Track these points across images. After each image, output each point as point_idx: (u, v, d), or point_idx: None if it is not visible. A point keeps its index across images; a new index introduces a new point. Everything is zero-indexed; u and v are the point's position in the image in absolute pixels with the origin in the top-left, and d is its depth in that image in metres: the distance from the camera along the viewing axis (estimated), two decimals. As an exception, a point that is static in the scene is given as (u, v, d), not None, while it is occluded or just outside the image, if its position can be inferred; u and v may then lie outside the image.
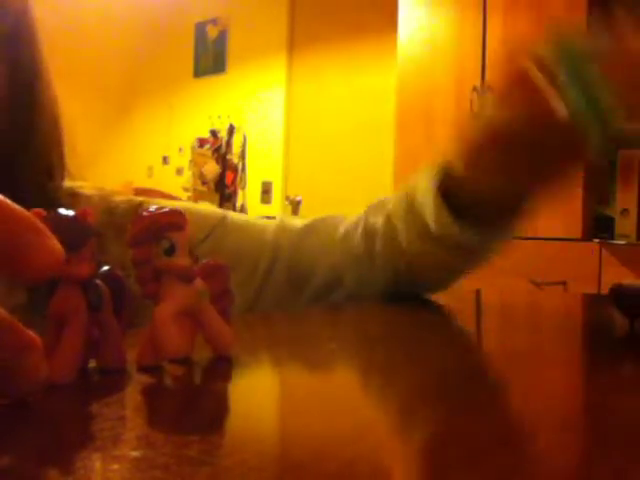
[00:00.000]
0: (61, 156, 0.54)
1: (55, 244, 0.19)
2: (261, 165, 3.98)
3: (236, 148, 4.09)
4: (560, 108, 0.34)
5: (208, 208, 0.61)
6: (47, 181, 0.53)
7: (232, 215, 0.60)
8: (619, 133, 0.34)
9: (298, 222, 0.59)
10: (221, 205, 4.06)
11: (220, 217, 0.58)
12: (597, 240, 2.25)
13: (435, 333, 0.42)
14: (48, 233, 0.19)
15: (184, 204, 0.61)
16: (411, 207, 0.52)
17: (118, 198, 0.57)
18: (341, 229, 0.57)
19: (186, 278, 0.27)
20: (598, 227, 2.37)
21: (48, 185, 0.52)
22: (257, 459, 0.17)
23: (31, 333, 0.19)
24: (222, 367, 0.31)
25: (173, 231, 0.26)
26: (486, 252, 0.53)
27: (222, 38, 4.20)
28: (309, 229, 0.58)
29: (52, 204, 0.49)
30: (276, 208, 3.90)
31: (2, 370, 0.19)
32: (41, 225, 0.19)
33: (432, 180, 0.50)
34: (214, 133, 4.18)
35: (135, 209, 0.55)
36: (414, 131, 2.72)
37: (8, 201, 0.19)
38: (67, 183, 0.56)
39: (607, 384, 0.27)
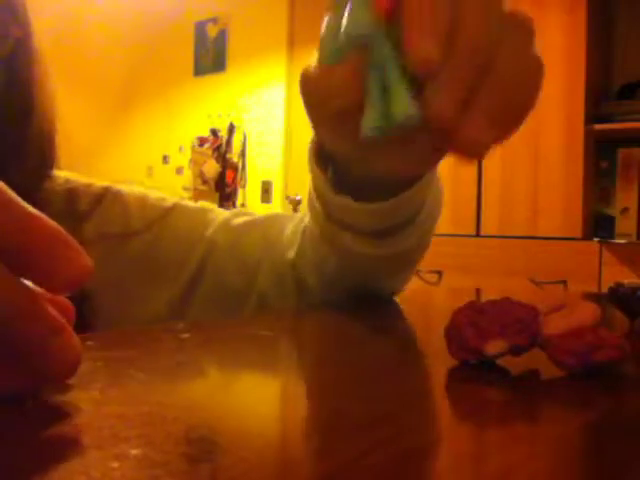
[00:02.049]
0: (53, 151, 0.55)
1: (84, 258, 0.19)
2: (261, 164, 3.98)
3: (236, 147, 4.09)
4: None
5: (158, 198, 0.60)
6: (39, 180, 0.54)
7: (182, 207, 0.59)
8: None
9: (243, 218, 0.58)
10: (221, 204, 4.06)
11: (166, 209, 0.58)
12: (597, 239, 2.25)
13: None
14: (77, 246, 0.19)
15: (142, 191, 0.61)
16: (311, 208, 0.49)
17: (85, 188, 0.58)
18: (287, 230, 0.56)
19: None
20: (598, 226, 2.37)
21: (40, 184, 0.53)
22: (257, 457, 0.17)
23: (58, 316, 0.20)
24: (220, 365, 0.31)
25: None
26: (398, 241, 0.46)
27: (222, 37, 4.20)
28: (253, 224, 0.57)
29: (46, 202, 0.49)
30: (276, 207, 3.89)
31: (31, 355, 0.19)
32: (70, 238, 0.19)
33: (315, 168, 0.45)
34: (214, 132, 4.18)
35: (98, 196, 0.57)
36: (414, 130, 2.72)
37: (40, 214, 0.19)
38: (59, 174, 0.56)
39: (606, 383, 0.27)
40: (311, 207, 0.49)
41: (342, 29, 0.24)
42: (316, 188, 0.46)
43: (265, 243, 0.55)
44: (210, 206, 0.62)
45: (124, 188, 0.60)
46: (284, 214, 0.59)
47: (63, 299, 0.21)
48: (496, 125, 0.26)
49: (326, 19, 0.25)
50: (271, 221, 0.57)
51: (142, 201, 0.59)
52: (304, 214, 0.55)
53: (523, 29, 0.28)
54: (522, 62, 0.28)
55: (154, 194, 0.61)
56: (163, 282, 0.55)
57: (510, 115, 0.28)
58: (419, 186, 0.43)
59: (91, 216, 0.55)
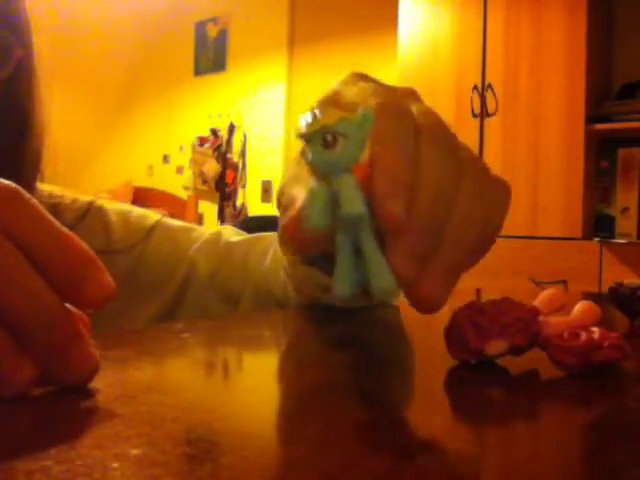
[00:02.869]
0: (40, 165, 0.55)
1: (109, 279, 0.21)
2: (261, 164, 3.98)
3: (236, 147, 4.09)
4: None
5: (140, 215, 0.60)
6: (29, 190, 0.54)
7: (164, 225, 0.59)
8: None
9: (224, 239, 0.58)
10: (221, 204, 4.07)
11: (148, 228, 0.58)
12: (597, 239, 2.25)
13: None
14: (104, 268, 0.21)
15: (124, 208, 0.61)
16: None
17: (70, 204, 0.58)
18: (270, 252, 0.55)
19: None
20: (598, 226, 2.37)
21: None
22: (257, 456, 0.17)
23: (79, 325, 0.21)
24: (220, 366, 0.31)
25: None
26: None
27: (222, 37, 4.20)
28: (233, 250, 0.57)
29: None
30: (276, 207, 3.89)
31: (52, 360, 0.21)
32: (98, 260, 0.21)
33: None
34: (214, 132, 4.18)
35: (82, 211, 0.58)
36: (414, 130, 2.71)
37: (73, 234, 0.21)
38: (43, 187, 0.57)
39: (606, 383, 0.27)
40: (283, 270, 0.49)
41: (341, 207, 0.24)
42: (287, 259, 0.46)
43: (245, 272, 0.55)
44: (192, 225, 0.62)
45: (106, 204, 0.60)
46: (267, 236, 0.58)
47: (79, 312, 0.22)
48: (454, 276, 0.26)
49: (313, 185, 0.25)
50: (251, 246, 0.57)
51: (124, 219, 0.59)
52: None
53: (478, 163, 0.28)
54: (486, 193, 0.27)
55: (136, 211, 0.60)
56: (147, 299, 0.56)
57: (470, 259, 0.27)
58: None
59: (74, 231, 0.55)
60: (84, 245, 0.21)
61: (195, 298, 0.56)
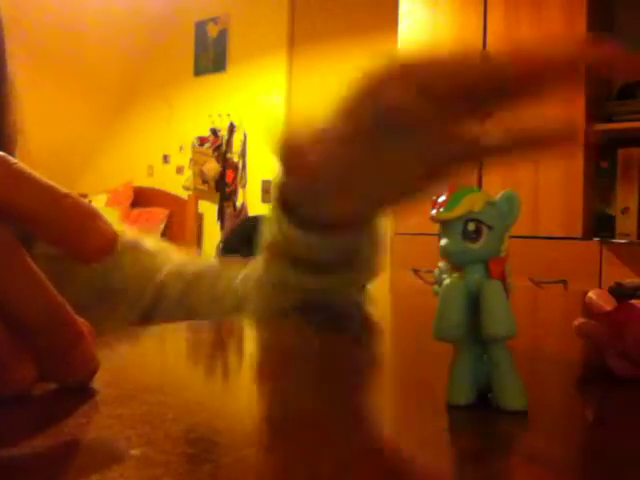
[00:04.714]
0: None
1: (109, 227, 0.21)
2: (262, 164, 3.98)
3: (236, 147, 4.09)
4: None
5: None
6: None
7: (133, 248, 0.58)
8: None
9: (193, 268, 0.58)
10: (221, 204, 4.06)
11: (128, 246, 0.57)
12: (598, 239, 2.25)
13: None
14: (103, 217, 0.21)
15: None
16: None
17: None
18: (237, 281, 0.55)
19: None
20: (599, 226, 2.37)
21: None
22: (257, 456, 0.17)
23: (80, 326, 0.21)
24: (220, 366, 0.31)
25: None
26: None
27: (222, 37, 4.20)
28: (201, 278, 0.57)
29: None
30: (276, 207, 3.89)
31: (54, 361, 0.21)
32: (97, 211, 0.21)
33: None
34: (214, 132, 4.18)
35: None
36: (414, 130, 2.71)
37: (70, 192, 0.21)
38: None
39: (606, 383, 0.27)
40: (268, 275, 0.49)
41: (487, 323, 0.21)
42: (281, 232, 0.46)
43: (212, 299, 0.55)
44: (161, 247, 0.60)
45: None
46: (236, 262, 0.57)
47: (82, 320, 0.22)
48: None
49: (447, 283, 0.22)
50: (219, 273, 0.57)
51: None
52: (251, 269, 0.54)
53: None
54: None
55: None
56: (119, 307, 0.55)
57: None
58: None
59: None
60: (81, 199, 0.21)
61: (163, 317, 0.55)
